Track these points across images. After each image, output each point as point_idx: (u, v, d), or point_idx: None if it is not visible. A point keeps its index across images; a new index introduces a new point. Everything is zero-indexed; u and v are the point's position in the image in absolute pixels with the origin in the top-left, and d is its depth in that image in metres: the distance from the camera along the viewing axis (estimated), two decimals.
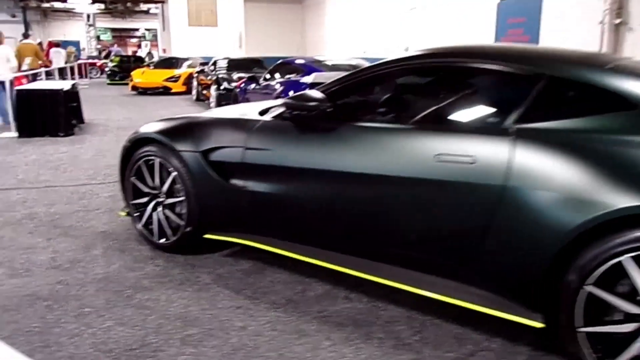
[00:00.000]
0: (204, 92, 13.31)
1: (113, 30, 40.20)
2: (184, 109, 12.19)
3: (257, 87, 8.49)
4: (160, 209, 3.33)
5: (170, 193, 3.27)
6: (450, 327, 2.45)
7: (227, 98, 11.21)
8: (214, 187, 3.02)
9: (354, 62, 7.71)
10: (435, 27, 10.60)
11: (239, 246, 3.35)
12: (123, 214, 3.66)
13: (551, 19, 7.64)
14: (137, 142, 3.38)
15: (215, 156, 3.00)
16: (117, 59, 22.46)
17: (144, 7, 29.93)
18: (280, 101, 3.31)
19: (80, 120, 9.21)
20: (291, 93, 6.65)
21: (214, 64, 13.09)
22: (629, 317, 1.85)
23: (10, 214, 4.15)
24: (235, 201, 2.97)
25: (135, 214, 3.47)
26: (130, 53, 30.67)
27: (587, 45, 6.88)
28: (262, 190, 2.82)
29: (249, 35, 18.66)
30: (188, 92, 15.88)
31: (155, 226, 3.35)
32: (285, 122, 2.76)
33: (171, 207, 3.29)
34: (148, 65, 18.80)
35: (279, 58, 14.60)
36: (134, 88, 16.43)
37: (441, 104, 2.58)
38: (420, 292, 2.37)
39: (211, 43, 20.07)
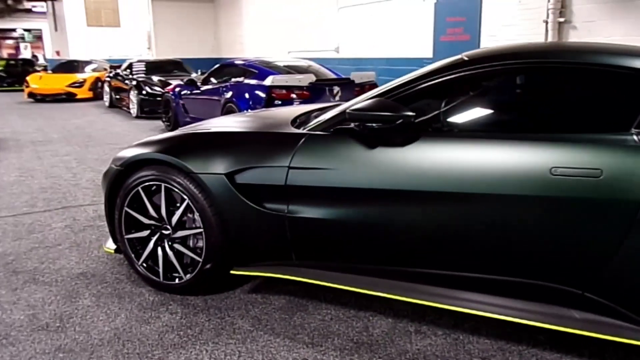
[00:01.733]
0: (118, 97, 12.23)
1: None
2: (101, 117, 11.09)
3: (196, 91, 7.83)
4: (166, 243, 2.78)
5: (180, 224, 2.73)
6: (554, 357, 2.20)
7: (151, 104, 10.38)
8: (244, 214, 2.53)
9: (303, 63, 7.36)
10: (367, 26, 10.51)
11: (254, 279, 2.90)
12: (110, 249, 3.03)
13: (492, 18, 7.79)
14: (132, 165, 2.79)
15: (243, 178, 2.51)
16: (3, 62, 20.15)
17: (27, 4, 27.16)
18: (316, 108, 2.88)
19: None
20: (250, 95, 6.18)
21: (129, 67, 12.05)
22: None
23: None
24: (272, 229, 2.51)
25: (130, 251, 2.87)
26: (5, 55, 27.68)
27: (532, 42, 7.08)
28: (315, 216, 2.39)
29: (159, 36, 17.52)
30: (95, 98, 14.58)
31: (160, 265, 2.79)
32: (344, 135, 2.34)
33: (182, 240, 2.75)
34: (44, 69, 17.02)
35: (194, 60, 13.83)
36: (31, 95, 14.75)
37: (550, 110, 2.29)
38: (523, 322, 2.10)
39: (114, 44, 18.62)
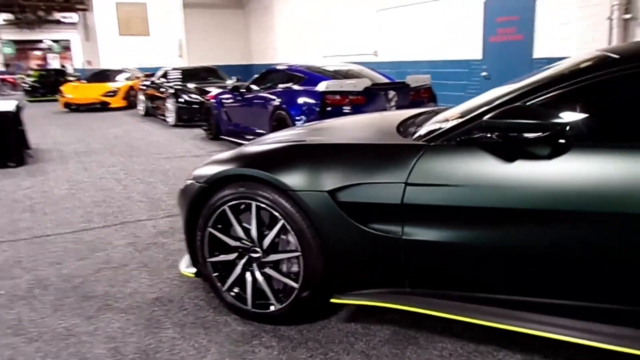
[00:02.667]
0: (153, 106, 12.14)
1: (16, 42, 36.66)
2: (138, 126, 11.00)
3: (240, 99, 7.62)
4: (256, 267, 2.52)
5: (272, 246, 2.47)
6: None
7: (189, 112, 10.24)
8: (349, 237, 2.25)
9: (353, 67, 7.09)
10: (408, 28, 10.21)
11: (348, 307, 2.62)
12: (189, 273, 2.79)
13: (547, 16, 7.42)
14: (218, 182, 2.54)
15: (349, 196, 2.23)
16: (37, 73, 20.34)
17: (57, 15, 27.51)
18: (440, 116, 2.57)
19: (27, 146, 7.87)
20: (302, 101, 5.93)
21: (164, 75, 11.95)
22: None
23: (9, 283, 3.11)
24: (383, 253, 2.22)
25: (214, 275, 2.63)
26: (34, 66, 28.06)
27: (595, 41, 6.70)
28: (438, 239, 2.09)
29: (190, 43, 17.47)
30: (129, 106, 14.54)
31: (248, 291, 2.53)
32: (471, 147, 2.04)
33: (275, 264, 2.49)
34: (78, 79, 17.10)
35: (225, 66, 13.67)
36: (67, 105, 14.78)
37: None
38: None
39: (143, 53, 18.64)
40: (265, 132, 6.83)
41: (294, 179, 2.32)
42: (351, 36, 11.88)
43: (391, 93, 6.07)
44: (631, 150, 1.82)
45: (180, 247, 3.44)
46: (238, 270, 2.56)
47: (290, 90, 6.41)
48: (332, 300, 2.38)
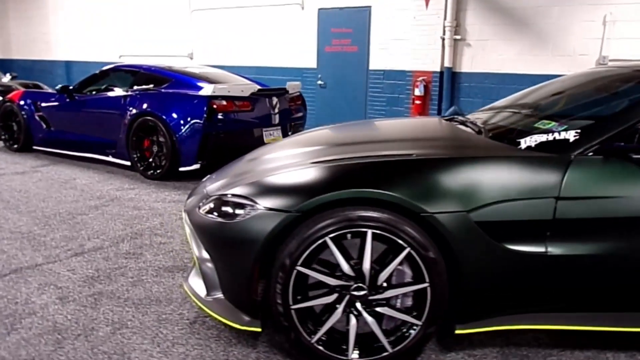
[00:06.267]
0: None
1: None
2: None
3: (68, 102, 6.26)
4: (359, 306, 2.10)
5: (388, 280, 2.09)
6: None
7: None
8: (489, 259, 2.05)
9: (211, 70, 6.49)
10: (230, 32, 9.87)
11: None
12: (254, 328, 2.16)
13: (383, 31, 8.04)
14: (316, 209, 2.03)
15: (486, 215, 2.03)
16: None
17: None
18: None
19: None
20: (181, 107, 5.18)
21: None
22: None
23: None
24: (524, 273, 2.08)
25: (299, 326, 2.10)
26: None
27: (429, 57, 7.53)
28: (589, 253, 2.05)
29: None
30: None
31: (352, 337, 2.10)
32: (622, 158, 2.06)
33: (387, 301, 2.11)
34: None
35: None
36: None
37: None
38: None
39: None
40: (115, 141, 5.77)
41: (426, 201, 2.01)
42: (160, 35, 10.88)
43: (274, 99, 5.76)
44: None
45: None
46: (338, 314, 2.09)
47: (162, 94, 5.52)
48: (457, 331, 2.14)
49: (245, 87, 5.53)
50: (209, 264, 2.30)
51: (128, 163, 5.73)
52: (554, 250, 2.05)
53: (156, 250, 3.47)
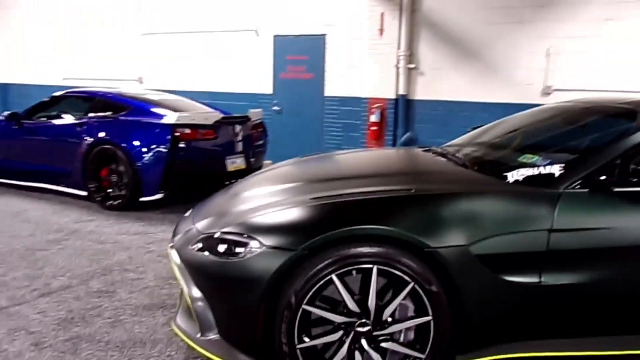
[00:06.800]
0: None
1: None
2: None
3: (17, 129, 5.96)
4: (364, 342, 2.10)
5: (392, 315, 2.12)
6: None
7: None
8: (488, 290, 2.12)
9: (167, 96, 6.36)
10: (180, 56, 9.74)
11: None
12: None
13: (337, 59, 8.20)
14: (322, 246, 2.03)
15: (484, 248, 2.10)
16: None
17: None
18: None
19: None
20: (142, 135, 5.05)
21: None
22: None
23: None
24: (519, 303, 2.16)
25: None
26: None
27: (383, 84, 7.74)
28: (580, 281, 2.15)
29: None
30: None
31: None
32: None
33: (391, 336, 2.13)
34: None
35: None
36: None
37: None
38: None
39: None
40: (69, 170, 5.53)
41: (430, 236, 2.06)
42: (108, 58, 10.57)
43: (238, 127, 5.72)
44: None
45: None
46: (344, 351, 2.09)
47: (121, 122, 5.35)
48: None
49: (209, 115, 5.47)
50: (201, 303, 2.25)
51: (84, 193, 5.50)
52: (547, 280, 2.15)
53: (130, 288, 3.33)
